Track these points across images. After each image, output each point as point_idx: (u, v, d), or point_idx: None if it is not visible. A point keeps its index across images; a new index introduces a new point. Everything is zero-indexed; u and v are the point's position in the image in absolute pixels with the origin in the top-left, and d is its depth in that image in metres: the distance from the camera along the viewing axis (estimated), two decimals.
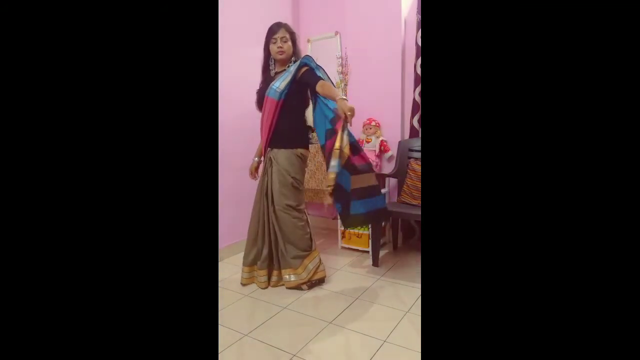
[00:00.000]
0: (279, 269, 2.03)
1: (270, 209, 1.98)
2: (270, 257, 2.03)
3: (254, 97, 2.07)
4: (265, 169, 2.03)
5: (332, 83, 1.97)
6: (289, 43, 1.95)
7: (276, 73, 2.00)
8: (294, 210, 1.97)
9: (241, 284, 2.07)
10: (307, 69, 1.92)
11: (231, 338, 1.56)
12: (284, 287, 2.03)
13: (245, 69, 2.50)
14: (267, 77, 2.02)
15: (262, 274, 2.03)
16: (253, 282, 2.07)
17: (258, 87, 2.07)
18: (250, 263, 2.07)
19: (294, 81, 1.91)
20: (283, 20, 2.02)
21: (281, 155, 1.96)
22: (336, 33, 2.78)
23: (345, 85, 2.77)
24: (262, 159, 2.09)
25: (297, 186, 1.99)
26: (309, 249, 2.02)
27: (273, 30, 1.95)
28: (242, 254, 2.58)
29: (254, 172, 2.16)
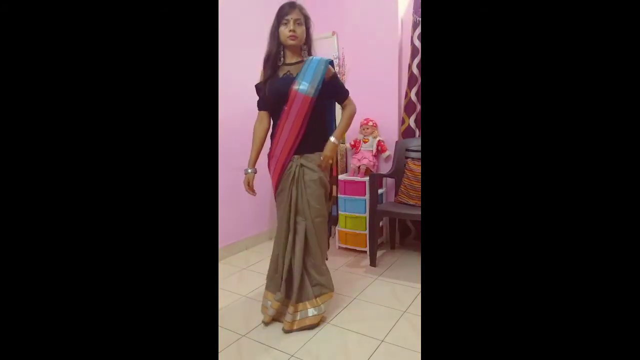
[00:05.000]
0: (295, 302, 1.64)
1: (301, 223, 1.65)
2: (288, 286, 1.66)
3: (253, 97, 1.80)
4: (292, 179, 1.65)
5: None
6: (303, 28, 1.62)
7: (285, 64, 1.66)
8: (323, 216, 1.71)
9: (263, 322, 1.70)
10: (335, 74, 1.71)
11: (229, 339, 1.55)
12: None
13: (244, 68, 2.50)
14: (275, 68, 1.66)
15: (291, 310, 1.64)
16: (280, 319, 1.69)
17: (260, 81, 1.71)
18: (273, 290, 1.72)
19: (324, 81, 1.62)
20: None
21: (318, 160, 1.65)
22: (333, 33, 2.78)
23: None
24: (255, 169, 1.77)
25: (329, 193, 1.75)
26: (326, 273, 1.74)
27: (285, 10, 1.60)
28: (240, 254, 2.59)
29: (252, 186, 1.76)
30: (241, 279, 2.18)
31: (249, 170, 1.75)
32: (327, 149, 1.64)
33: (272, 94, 1.64)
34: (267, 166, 1.77)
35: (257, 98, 1.75)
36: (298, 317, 1.63)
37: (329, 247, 1.88)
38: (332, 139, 1.65)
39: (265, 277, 1.78)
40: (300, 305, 1.64)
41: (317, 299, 1.67)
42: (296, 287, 1.63)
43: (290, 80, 1.61)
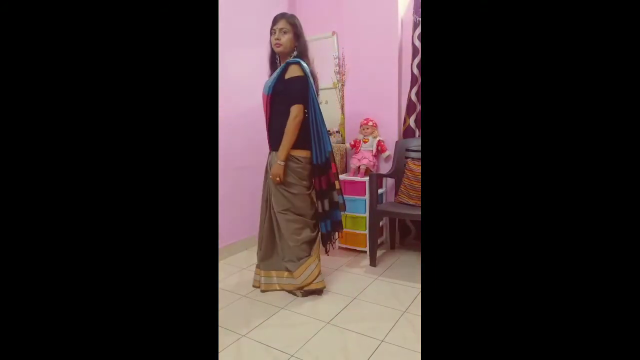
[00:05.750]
0: (270, 269, 1.99)
1: (272, 212, 1.94)
2: (265, 258, 2.00)
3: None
4: (265, 171, 1.98)
5: (316, 92, 1.87)
6: (289, 35, 1.79)
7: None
8: (290, 213, 1.90)
9: (253, 286, 2.04)
10: (301, 77, 1.77)
11: (229, 339, 1.55)
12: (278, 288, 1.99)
13: (243, 68, 2.50)
14: (272, 72, 1.92)
15: (262, 274, 2.00)
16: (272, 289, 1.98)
17: None
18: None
19: (280, 79, 1.78)
20: None
21: (274, 159, 1.84)
22: (333, 33, 2.78)
23: (342, 85, 2.77)
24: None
25: (293, 192, 1.87)
26: (303, 257, 1.92)
27: (275, 20, 1.82)
28: (240, 254, 2.60)
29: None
30: (241, 279, 2.18)
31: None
32: (272, 168, 1.84)
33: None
34: (265, 165, 2.00)
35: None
36: (259, 280, 2.00)
37: (321, 243, 2.03)
38: (277, 160, 1.80)
39: None
40: (260, 272, 1.99)
41: (271, 271, 1.97)
42: (261, 258, 1.99)
43: None
